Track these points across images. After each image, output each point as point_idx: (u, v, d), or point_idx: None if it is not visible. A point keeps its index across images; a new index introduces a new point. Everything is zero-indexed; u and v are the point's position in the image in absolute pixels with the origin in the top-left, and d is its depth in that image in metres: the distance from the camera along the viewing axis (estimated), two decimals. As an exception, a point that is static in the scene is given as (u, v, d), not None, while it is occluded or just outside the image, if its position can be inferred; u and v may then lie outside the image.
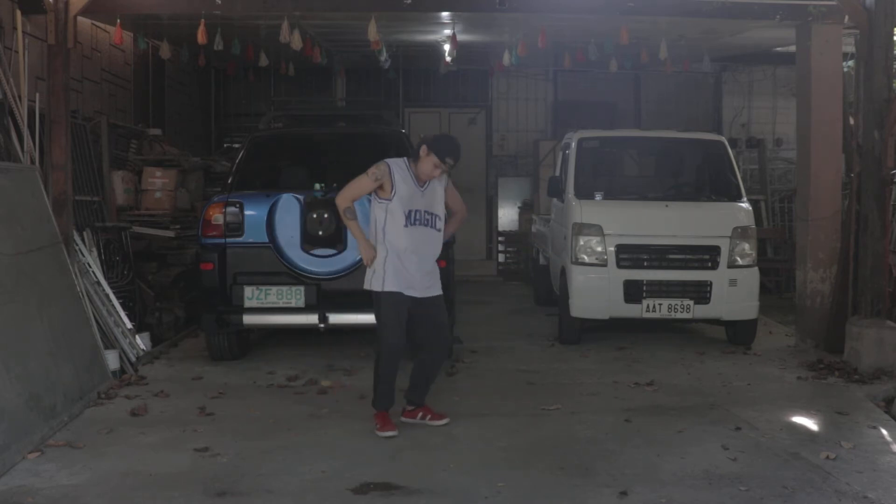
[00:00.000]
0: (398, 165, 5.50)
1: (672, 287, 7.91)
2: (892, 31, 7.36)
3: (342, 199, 5.54)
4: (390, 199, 5.42)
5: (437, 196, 5.57)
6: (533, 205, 13.49)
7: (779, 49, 12.31)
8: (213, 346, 7.42)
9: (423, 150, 5.46)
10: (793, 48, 8.87)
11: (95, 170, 8.45)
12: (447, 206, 5.68)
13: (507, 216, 14.35)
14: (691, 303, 7.86)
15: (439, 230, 5.58)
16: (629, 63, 11.71)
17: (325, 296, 7.12)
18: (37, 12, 7.33)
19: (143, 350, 7.33)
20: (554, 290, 9.26)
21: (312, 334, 7.98)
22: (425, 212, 5.50)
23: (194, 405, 6.05)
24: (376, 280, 5.46)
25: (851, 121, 8.28)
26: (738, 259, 7.99)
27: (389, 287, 5.42)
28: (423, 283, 5.49)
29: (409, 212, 5.44)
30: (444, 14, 9.73)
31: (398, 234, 5.42)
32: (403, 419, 5.58)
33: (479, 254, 14.53)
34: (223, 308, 7.12)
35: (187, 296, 8.85)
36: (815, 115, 8.10)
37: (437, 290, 5.58)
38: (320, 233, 7.00)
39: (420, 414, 5.62)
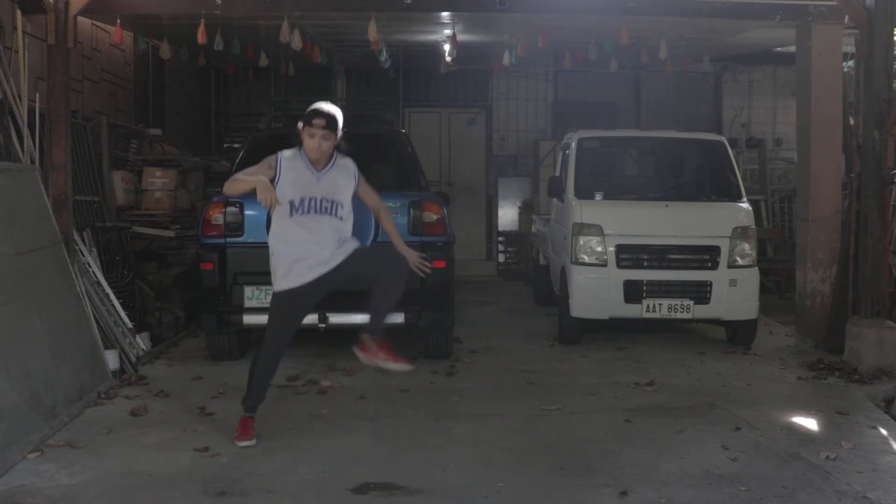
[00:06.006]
0: (290, 152, 5.13)
1: (672, 287, 7.91)
2: (892, 31, 7.37)
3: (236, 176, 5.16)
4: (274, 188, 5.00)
5: (338, 184, 5.13)
6: (533, 205, 13.49)
7: (779, 49, 12.32)
8: (213, 346, 7.42)
9: (300, 130, 5.08)
10: (793, 48, 8.88)
11: (95, 170, 8.45)
12: (366, 204, 5.39)
13: (507, 216, 14.34)
14: (691, 303, 7.86)
15: (341, 218, 5.12)
16: (629, 63, 11.72)
17: (325, 296, 7.10)
18: (37, 12, 7.32)
19: (143, 350, 7.33)
20: (554, 290, 9.26)
21: (312, 334, 7.96)
22: (322, 199, 5.06)
23: (194, 405, 6.05)
24: (273, 280, 5.14)
25: (851, 121, 8.28)
26: (738, 259, 7.99)
27: (281, 286, 5.09)
28: (331, 256, 5.05)
29: (301, 199, 5.02)
30: (444, 14, 9.73)
31: (283, 226, 5.05)
32: (362, 356, 5.14)
33: (479, 254, 14.53)
34: (223, 308, 7.12)
35: (187, 296, 8.85)
36: (815, 115, 8.10)
37: (350, 249, 5.11)
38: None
39: (382, 355, 5.11)
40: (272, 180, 4.99)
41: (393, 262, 5.18)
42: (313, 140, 5.02)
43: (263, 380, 5.29)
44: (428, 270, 5.33)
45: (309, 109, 5.08)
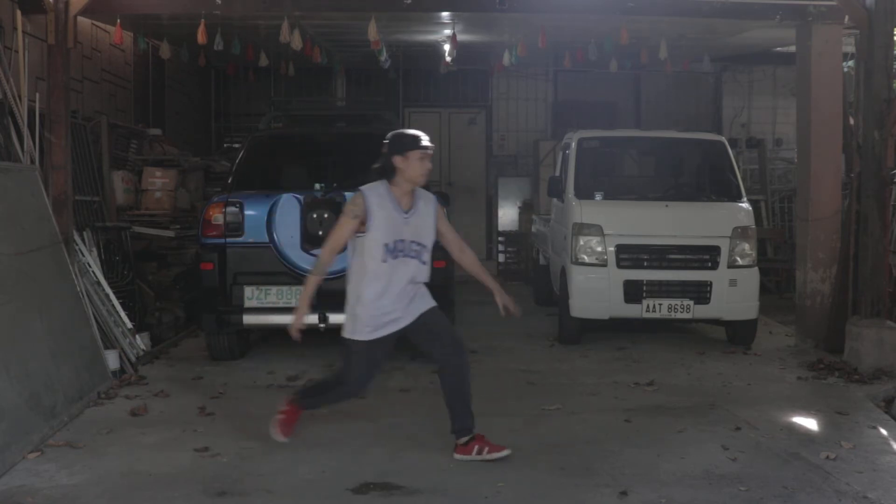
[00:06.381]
0: (375, 191, 4.81)
1: (672, 287, 7.91)
2: (892, 31, 7.36)
3: (324, 253, 4.85)
4: (365, 232, 4.75)
5: (425, 222, 4.88)
6: (533, 205, 13.49)
7: (779, 49, 12.33)
8: (213, 346, 7.42)
9: (398, 159, 4.79)
10: (793, 48, 8.88)
11: (95, 170, 8.46)
12: (445, 243, 5.06)
13: (507, 216, 14.35)
14: (691, 303, 7.86)
15: (425, 262, 4.87)
16: (629, 63, 11.73)
17: (325, 296, 7.09)
18: (37, 12, 7.33)
19: (143, 350, 7.33)
20: (554, 290, 9.26)
21: (312, 334, 7.95)
22: (412, 241, 4.80)
23: (194, 405, 6.05)
24: (348, 325, 4.91)
25: (851, 121, 8.28)
26: (738, 259, 7.99)
27: (361, 336, 4.84)
28: (407, 311, 4.87)
29: (393, 243, 4.75)
30: (444, 14, 9.74)
31: (374, 272, 4.76)
32: (457, 456, 4.91)
33: (480, 254, 14.45)
34: (223, 308, 7.12)
35: (187, 296, 8.85)
36: (815, 115, 8.10)
37: (424, 307, 4.93)
38: (320, 233, 7.00)
39: (476, 448, 4.90)
40: (363, 223, 4.75)
41: (450, 345, 4.98)
42: (423, 163, 4.82)
43: (330, 402, 5.19)
44: (519, 314, 5.19)
45: (404, 137, 4.88)
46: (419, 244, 4.85)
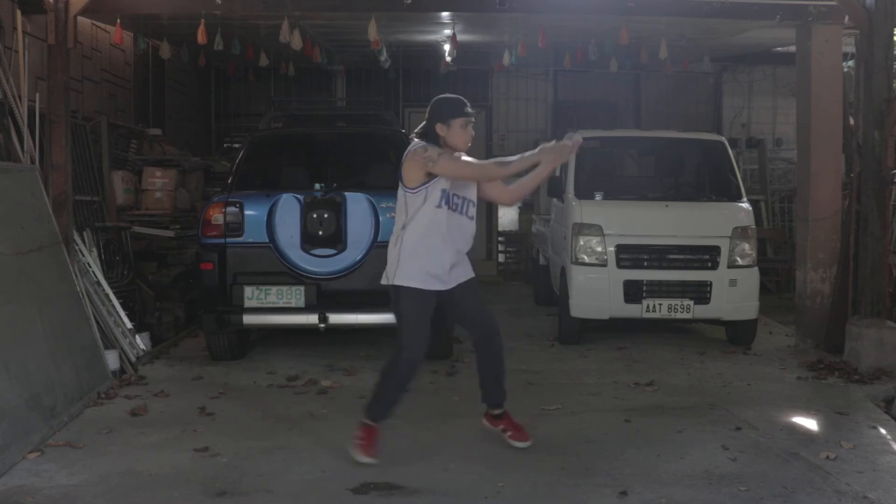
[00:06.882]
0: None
1: (672, 287, 7.91)
2: (892, 31, 7.36)
3: (494, 171, 4.80)
4: (428, 182, 4.71)
5: (468, 182, 4.91)
6: (533, 205, 13.49)
7: (779, 49, 12.33)
8: (213, 346, 7.42)
9: (440, 127, 4.78)
10: (793, 48, 8.88)
11: (95, 170, 8.46)
12: (486, 190, 4.97)
13: (507, 216, 14.35)
14: (691, 303, 7.86)
15: (472, 218, 4.85)
16: (629, 63, 11.73)
17: (325, 296, 7.13)
18: (37, 12, 7.33)
19: (143, 350, 7.33)
20: (554, 290, 9.26)
21: (312, 334, 7.98)
22: (455, 195, 4.78)
23: (194, 405, 6.05)
24: (394, 272, 4.73)
25: (851, 121, 8.28)
26: (738, 259, 8.00)
27: (409, 282, 4.70)
28: (451, 274, 4.82)
29: (445, 192, 4.72)
30: (444, 14, 9.74)
31: (429, 217, 4.70)
32: (485, 423, 5.13)
33: (480, 254, 14.51)
34: (223, 308, 7.12)
35: (187, 296, 8.85)
36: (815, 115, 8.10)
37: (468, 275, 4.91)
38: (320, 233, 7.02)
39: (501, 426, 5.06)
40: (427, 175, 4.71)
41: (485, 320, 4.99)
42: (466, 131, 4.82)
43: (397, 385, 4.86)
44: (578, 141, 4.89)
45: (446, 103, 4.84)
46: (463, 198, 4.82)
